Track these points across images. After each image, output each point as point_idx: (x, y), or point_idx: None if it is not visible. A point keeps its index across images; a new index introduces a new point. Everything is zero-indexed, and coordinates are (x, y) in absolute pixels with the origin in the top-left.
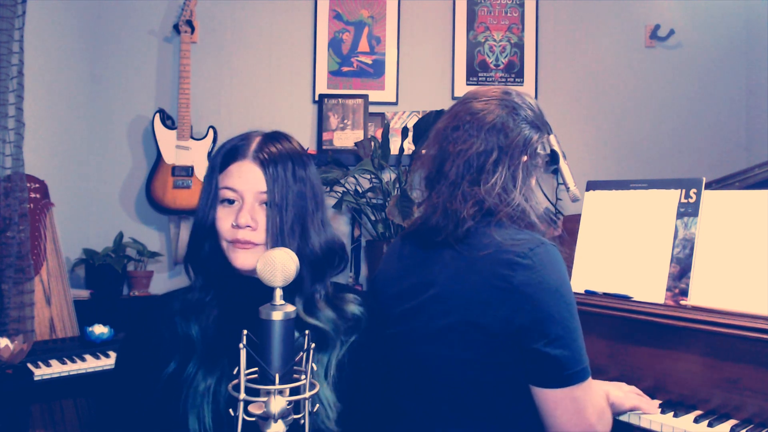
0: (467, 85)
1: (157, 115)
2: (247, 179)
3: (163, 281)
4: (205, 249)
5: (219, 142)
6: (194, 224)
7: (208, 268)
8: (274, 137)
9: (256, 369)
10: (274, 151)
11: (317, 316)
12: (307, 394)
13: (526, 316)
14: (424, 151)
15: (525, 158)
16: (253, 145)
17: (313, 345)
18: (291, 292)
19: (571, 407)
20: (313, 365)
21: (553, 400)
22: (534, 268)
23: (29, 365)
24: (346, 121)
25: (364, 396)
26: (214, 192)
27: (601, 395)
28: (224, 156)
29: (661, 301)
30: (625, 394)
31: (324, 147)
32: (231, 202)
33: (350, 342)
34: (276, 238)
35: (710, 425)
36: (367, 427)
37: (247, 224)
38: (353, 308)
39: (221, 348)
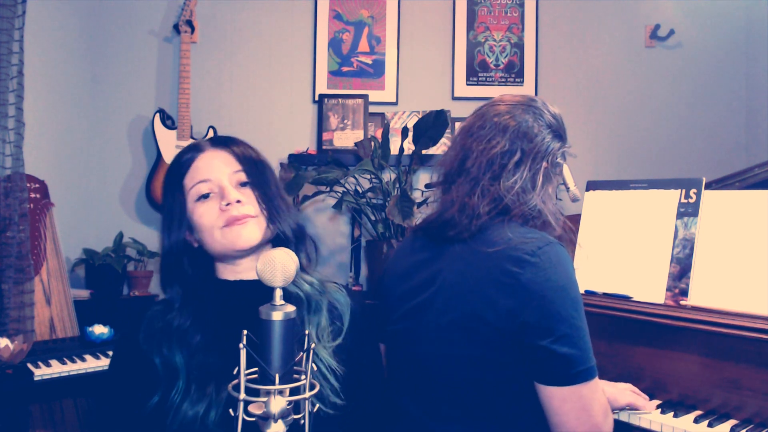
0: (467, 85)
1: (157, 115)
2: (218, 164)
3: None
4: (184, 263)
5: None
6: (166, 240)
7: (187, 283)
8: (222, 136)
9: (256, 369)
10: (230, 139)
11: (300, 285)
12: (307, 394)
13: (533, 313)
14: (447, 150)
15: (545, 164)
16: (207, 140)
17: (313, 345)
18: None
19: (578, 405)
20: (314, 365)
21: (560, 398)
22: (541, 266)
23: (29, 365)
24: (346, 121)
25: (364, 378)
26: (183, 198)
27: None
28: (183, 162)
29: (661, 301)
30: (620, 390)
31: (324, 147)
32: (206, 196)
33: (345, 329)
34: (271, 210)
35: (710, 425)
36: (370, 406)
37: (237, 199)
38: (336, 294)
39: (207, 374)
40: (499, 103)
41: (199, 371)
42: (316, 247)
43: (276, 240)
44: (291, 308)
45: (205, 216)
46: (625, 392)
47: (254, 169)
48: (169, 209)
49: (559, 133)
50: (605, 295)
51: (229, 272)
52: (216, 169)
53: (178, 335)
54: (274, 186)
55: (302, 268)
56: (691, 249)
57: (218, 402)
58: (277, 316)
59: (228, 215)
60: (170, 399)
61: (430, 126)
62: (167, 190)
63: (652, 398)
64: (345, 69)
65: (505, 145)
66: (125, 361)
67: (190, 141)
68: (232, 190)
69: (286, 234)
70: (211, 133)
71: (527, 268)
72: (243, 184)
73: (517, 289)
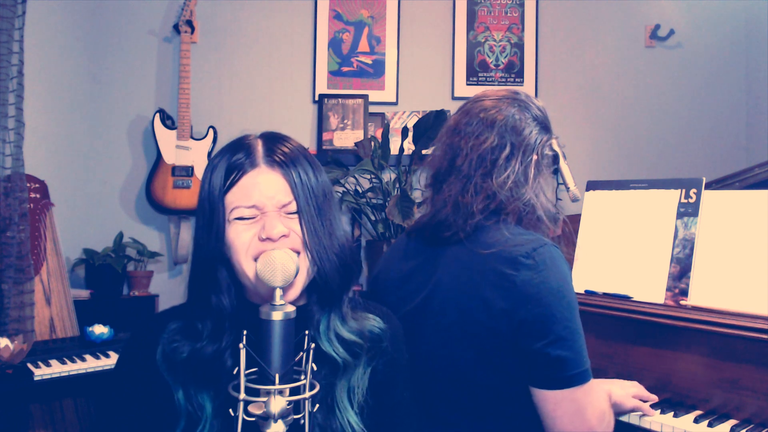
0: (467, 85)
1: (157, 115)
2: (268, 190)
3: (163, 281)
4: (220, 277)
5: (219, 142)
6: (201, 249)
7: (221, 308)
8: (276, 137)
9: (256, 369)
10: (287, 151)
11: (349, 329)
12: (307, 394)
13: (528, 315)
14: (433, 149)
15: (535, 157)
16: (260, 149)
17: (313, 345)
18: (323, 303)
19: (571, 409)
20: (313, 365)
21: (553, 401)
22: (536, 268)
23: (29, 365)
24: (346, 121)
25: (388, 418)
26: (221, 218)
27: (603, 397)
28: (227, 171)
29: (661, 301)
30: (627, 394)
31: (324, 147)
32: (247, 218)
33: (373, 367)
34: (316, 245)
35: (710, 425)
36: None
37: (282, 234)
38: (372, 326)
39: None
40: (483, 99)
41: (225, 409)
42: (359, 271)
43: (312, 283)
44: (291, 308)
45: (240, 237)
46: (630, 397)
47: (307, 195)
48: (206, 218)
49: (545, 125)
50: (605, 295)
51: (259, 298)
52: (266, 197)
53: (208, 366)
54: (326, 212)
55: (343, 319)
56: (691, 249)
57: None
58: (277, 316)
59: (267, 248)
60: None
61: (430, 126)
62: (206, 195)
63: None
64: (345, 69)
65: (495, 140)
66: (135, 383)
67: (190, 141)
68: (277, 222)
69: (328, 275)
70: (211, 134)
71: (522, 270)
72: (291, 213)
73: (512, 290)
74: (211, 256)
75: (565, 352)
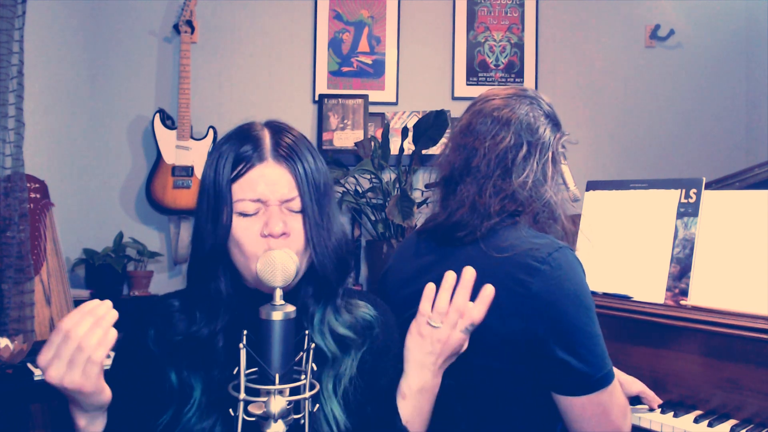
0: (467, 85)
1: (157, 115)
2: (274, 184)
3: (163, 281)
4: (219, 268)
5: None
6: (196, 248)
7: (218, 292)
8: (282, 129)
9: (256, 369)
10: (293, 144)
11: (342, 323)
12: (307, 394)
13: (546, 324)
14: (444, 150)
15: (550, 154)
16: (267, 142)
17: (313, 345)
18: (319, 297)
19: (597, 411)
20: (313, 365)
21: (579, 407)
22: (552, 274)
23: (29, 365)
24: (346, 121)
25: (373, 406)
26: (227, 206)
27: (622, 393)
28: (234, 162)
29: (661, 301)
30: (632, 379)
31: (324, 147)
32: (251, 214)
33: (362, 352)
34: (317, 244)
35: (710, 425)
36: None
37: (283, 232)
38: (364, 314)
39: (221, 390)
40: (493, 98)
41: (215, 387)
42: (356, 268)
43: (309, 276)
44: (291, 308)
45: (244, 232)
46: (636, 381)
47: (311, 192)
48: (210, 205)
49: (556, 120)
50: (605, 295)
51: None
52: (272, 192)
53: (202, 348)
54: (326, 207)
55: (337, 310)
56: (691, 249)
57: (226, 418)
58: (277, 316)
59: (267, 246)
60: (182, 415)
61: (430, 126)
62: (212, 182)
63: None
64: (345, 69)
65: (511, 140)
66: (133, 368)
67: (190, 141)
68: (278, 220)
69: (326, 270)
70: (211, 134)
71: (537, 277)
72: (294, 210)
73: (528, 299)
74: (212, 243)
75: (586, 358)
